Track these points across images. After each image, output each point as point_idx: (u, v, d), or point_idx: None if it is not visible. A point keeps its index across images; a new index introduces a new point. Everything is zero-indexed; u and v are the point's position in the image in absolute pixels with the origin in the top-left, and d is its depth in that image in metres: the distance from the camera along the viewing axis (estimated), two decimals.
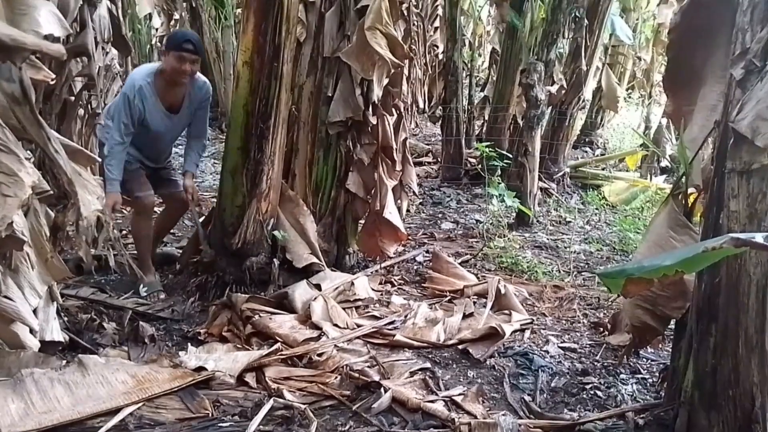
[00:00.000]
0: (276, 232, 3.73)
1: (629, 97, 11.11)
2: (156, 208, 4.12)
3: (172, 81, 3.62)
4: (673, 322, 2.70)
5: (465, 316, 3.53)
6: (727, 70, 2.19)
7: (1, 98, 2.18)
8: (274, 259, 3.70)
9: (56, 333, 2.73)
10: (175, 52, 3.52)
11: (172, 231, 4.70)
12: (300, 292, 3.55)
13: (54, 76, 2.44)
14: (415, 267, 4.51)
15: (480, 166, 6.42)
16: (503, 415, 2.55)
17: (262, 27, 3.47)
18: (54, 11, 2.42)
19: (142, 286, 3.71)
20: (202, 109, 3.92)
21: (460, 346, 3.23)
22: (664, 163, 7.71)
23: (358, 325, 3.37)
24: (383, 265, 4.36)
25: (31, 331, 2.52)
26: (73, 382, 2.52)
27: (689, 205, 2.58)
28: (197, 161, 4.08)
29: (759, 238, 1.55)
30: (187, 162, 4.00)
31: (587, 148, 9.16)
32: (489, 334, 3.27)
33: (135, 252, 3.89)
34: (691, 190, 2.59)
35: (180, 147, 4.42)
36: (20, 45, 2.06)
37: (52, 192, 2.40)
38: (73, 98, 2.87)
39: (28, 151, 2.30)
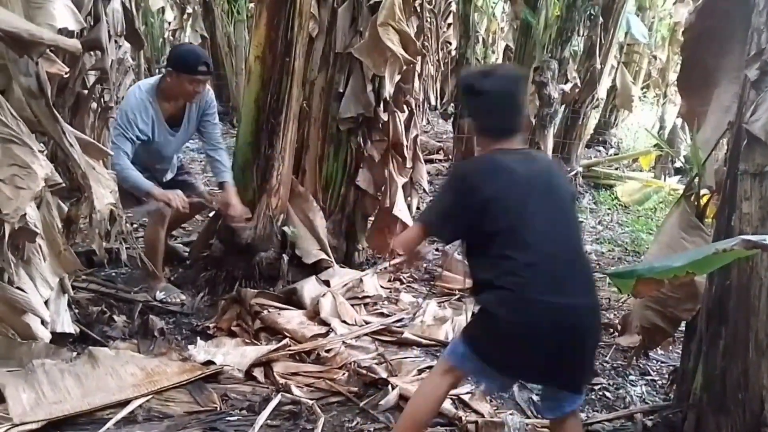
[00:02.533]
0: (285, 228, 3.73)
1: (644, 96, 11.03)
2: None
3: (176, 98, 3.51)
4: (683, 324, 2.68)
5: None
6: (741, 71, 2.17)
7: (17, 92, 2.21)
8: (284, 255, 3.71)
9: (67, 325, 2.76)
10: (189, 76, 3.37)
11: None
12: (309, 288, 3.56)
13: (68, 69, 2.46)
14: (425, 265, 4.50)
15: None
16: (510, 414, 2.55)
17: (274, 22, 3.47)
18: (68, 5, 2.44)
19: (159, 291, 3.62)
20: (207, 117, 3.71)
21: None
22: (679, 163, 7.64)
23: (367, 322, 3.37)
24: (392, 262, 4.35)
25: (43, 322, 2.54)
26: (84, 373, 2.55)
27: (701, 206, 2.55)
28: (226, 168, 3.74)
29: None
30: (217, 174, 3.75)
31: (601, 148, 9.11)
32: None
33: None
34: (704, 191, 2.57)
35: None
36: (37, 40, 2.07)
37: (64, 185, 2.42)
38: (86, 91, 2.89)
39: (42, 144, 2.31)
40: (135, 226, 4.36)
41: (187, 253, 4.23)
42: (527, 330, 1.88)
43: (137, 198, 3.54)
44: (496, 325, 1.95)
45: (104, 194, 2.53)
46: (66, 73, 2.45)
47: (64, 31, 2.36)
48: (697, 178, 2.56)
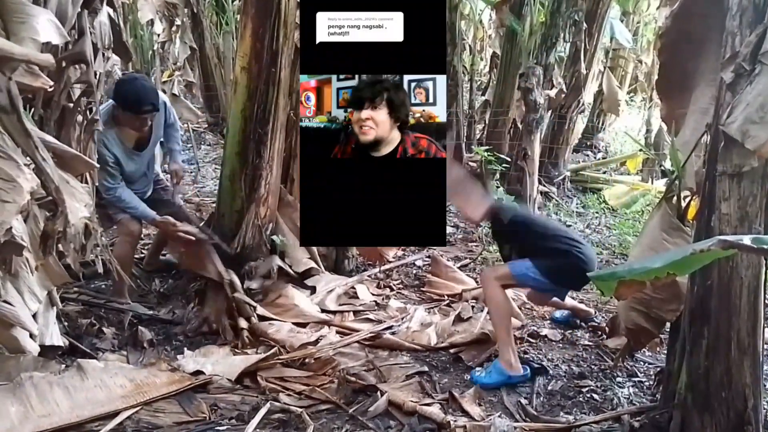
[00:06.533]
0: (275, 237, 3.75)
1: (631, 101, 11.10)
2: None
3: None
4: (668, 324, 2.71)
5: (462, 320, 3.53)
6: (717, 74, 2.20)
7: None
8: (273, 264, 3.72)
9: (56, 338, 2.75)
10: (134, 115, 3.37)
11: None
12: (297, 294, 3.59)
13: (52, 83, 2.46)
14: (414, 271, 4.52)
15: (480, 170, 6.43)
16: (498, 416, 2.57)
17: (259, 32, 3.49)
18: (52, 19, 2.43)
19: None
20: (169, 126, 3.82)
21: (452, 350, 3.24)
22: (666, 166, 7.69)
23: (355, 330, 3.38)
24: (382, 269, 4.37)
25: (31, 335, 2.54)
26: (72, 386, 2.55)
27: (682, 207, 2.59)
28: (178, 143, 4.00)
29: (746, 240, 1.56)
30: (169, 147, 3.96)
31: (589, 152, 9.16)
32: (482, 340, 3.27)
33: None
34: (685, 193, 2.61)
35: None
36: (8, 55, 2.09)
37: (51, 198, 2.42)
38: (71, 105, 2.89)
39: (27, 158, 2.32)
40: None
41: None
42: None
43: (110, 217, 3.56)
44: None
45: (78, 208, 2.52)
46: (50, 87, 2.45)
47: (48, 46, 2.36)
48: (677, 180, 2.59)
